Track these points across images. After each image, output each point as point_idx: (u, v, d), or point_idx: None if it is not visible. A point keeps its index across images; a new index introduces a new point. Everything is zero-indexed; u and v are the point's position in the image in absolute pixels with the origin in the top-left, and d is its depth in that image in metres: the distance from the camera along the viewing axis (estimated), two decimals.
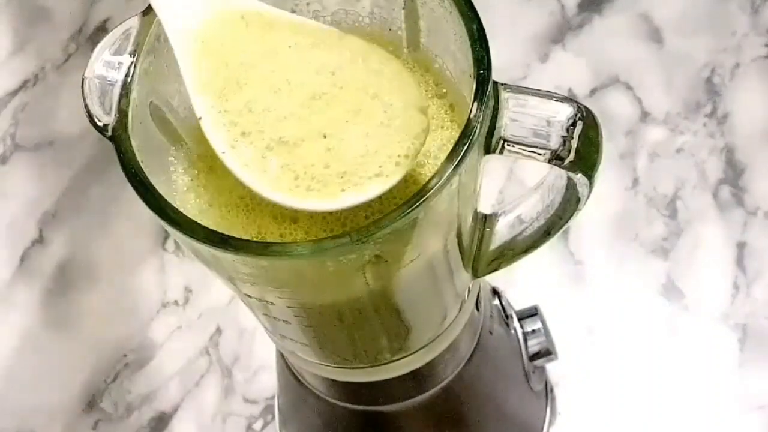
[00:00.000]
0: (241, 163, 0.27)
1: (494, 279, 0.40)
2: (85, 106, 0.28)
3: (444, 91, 0.31)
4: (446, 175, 0.26)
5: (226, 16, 0.28)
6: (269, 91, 0.28)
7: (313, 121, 0.27)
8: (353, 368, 0.35)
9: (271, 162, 0.27)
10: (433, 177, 0.26)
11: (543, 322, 0.49)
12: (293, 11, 0.32)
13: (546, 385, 0.53)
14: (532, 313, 0.49)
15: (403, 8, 0.31)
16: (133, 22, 0.29)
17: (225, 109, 0.27)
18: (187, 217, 0.26)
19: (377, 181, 0.27)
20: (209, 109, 0.27)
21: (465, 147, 0.26)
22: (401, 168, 0.27)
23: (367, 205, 0.28)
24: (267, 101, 0.28)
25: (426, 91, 0.31)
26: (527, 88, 0.28)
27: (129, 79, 0.28)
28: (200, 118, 0.27)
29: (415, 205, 0.25)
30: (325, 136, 0.27)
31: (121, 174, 0.27)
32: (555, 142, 0.27)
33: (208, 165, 0.30)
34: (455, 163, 0.26)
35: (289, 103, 0.28)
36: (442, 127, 0.30)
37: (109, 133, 0.28)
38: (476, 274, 0.34)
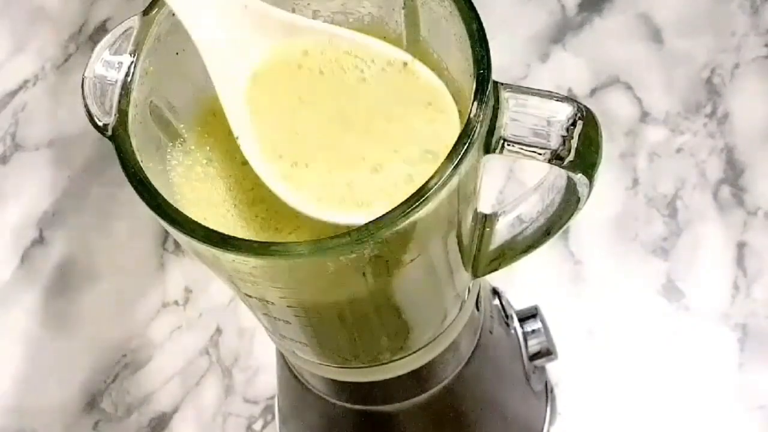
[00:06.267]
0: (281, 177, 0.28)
1: (494, 279, 0.40)
2: (85, 106, 0.28)
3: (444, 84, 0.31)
4: (446, 174, 0.26)
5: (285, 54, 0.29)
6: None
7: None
8: (353, 368, 0.35)
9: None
10: (433, 177, 0.26)
11: (543, 322, 0.49)
12: (293, 11, 0.32)
13: (546, 385, 0.53)
14: (532, 313, 0.49)
15: (403, 8, 0.31)
16: (133, 22, 0.29)
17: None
18: (187, 216, 0.26)
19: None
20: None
21: (465, 147, 0.26)
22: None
23: None
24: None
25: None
26: (527, 87, 0.28)
27: (129, 79, 0.28)
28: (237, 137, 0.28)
29: (415, 205, 0.25)
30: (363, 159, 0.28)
31: (121, 174, 0.27)
32: (555, 142, 0.27)
33: (207, 164, 0.30)
34: (455, 163, 0.26)
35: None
36: None
37: (109, 133, 0.28)
38: (476, 273, 0.34)
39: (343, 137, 0.28)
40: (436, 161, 0.27)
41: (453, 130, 0.28)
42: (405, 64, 0.29)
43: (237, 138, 0.28)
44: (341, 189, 0.27)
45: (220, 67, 0.28)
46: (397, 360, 0.35)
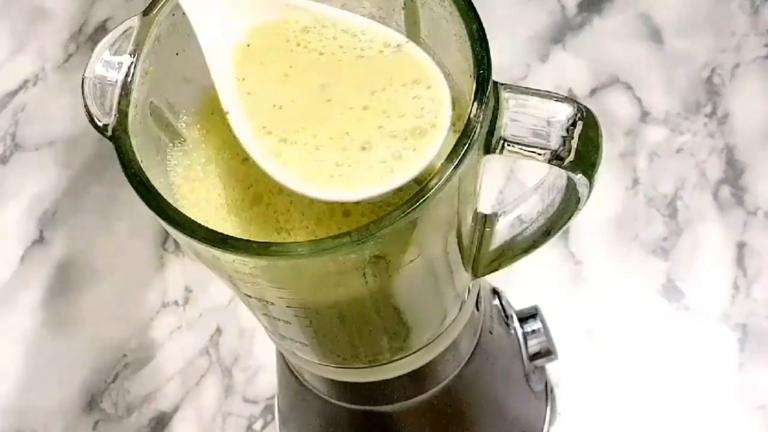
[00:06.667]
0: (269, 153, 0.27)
1: (494, 279, 0.40)
2: (85, 106, 0.28)
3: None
4: (446, 175, 0.26)
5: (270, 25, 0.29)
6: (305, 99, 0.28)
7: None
8: (353, 368, 0.35)
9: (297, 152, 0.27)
10: (433, 177, 0.26)
11: (543, 322, 0.49)
12: None
13: (546, 385, 0.53)
14: (532, 313, 0.49)
15: (403, 8, 0.31)
16: (133, 22, 0.29)
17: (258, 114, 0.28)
18: (187, 217, 0.26)
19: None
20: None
21: (465, 147, 0.26)
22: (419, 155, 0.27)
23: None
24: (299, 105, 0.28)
25: None
26: (527, 88, 0.28)
27: (129, 79, 0.28)
28: (227, 113, 0.28)
29: (415, 205, 0.25)
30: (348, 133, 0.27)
31: (121, 174, 0.27)
32: (555, 142, 0.27)
33: (209, 163, 0.30)
34: (455, 163, 0.26)
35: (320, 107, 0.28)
36: None
37: (109, 133, 0.28)
38: (476, 274, 0.34)
39: (333, 114, 0.28)
40: (424, 137, 0.27)
41: (441, 105, 0.28)
42: (399, 45, 0.29)
43: (227, 113, 0.28)
44: (330, 167, 0.27)
45: (212, 40, 0.28)
46: (397, 360, 0.35)
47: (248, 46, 0.29)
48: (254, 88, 0.28)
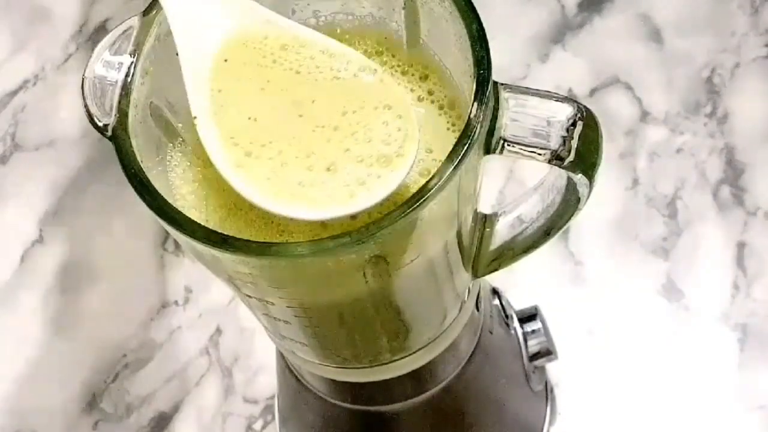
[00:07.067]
0: (233, 165, 0.27)
1: (494, 279, 0.40)
2: (85, 106, 0.28)
3: (444, 88, 0.31)
4: (446, 175, 0.26)
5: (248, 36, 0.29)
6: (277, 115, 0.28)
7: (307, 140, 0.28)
8: (353, 368, 0.35)
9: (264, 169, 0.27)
10: (433, 177, 0.26)
11: (543, 322, 0.49)
12: (293, 12, 0.32)
13: (546, 385, 0.53)
14: (532, 313, 0.49)
15: (403, 8, 0.31)
16: (133, 22, 0.29)
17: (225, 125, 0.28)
18: (187, 217, 0.26)
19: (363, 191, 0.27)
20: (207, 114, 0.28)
21: (465, 147, 0.26)
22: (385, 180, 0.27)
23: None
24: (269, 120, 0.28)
25: (426, 88, 0.31)
26: (527, 88, 0.28)
27: (129, 79, 0.28)
28: (195, 117, 0.28)
29: (416, 205, 0.25)
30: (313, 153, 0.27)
31: (121, 174, 0.27)
32: (555, 142, 0.27)
33: (208, 164, 0.30)
34: (455, 163, 0.26)
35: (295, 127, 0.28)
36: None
37: (109, 133, 0.28)
38: (476, 274, 0.34)
39: (303, 132, 0.28)
40: (389, 165, 0.27)
41: (407, 136, 0.28)
42: (375, 70, 0.29)
43: (194, 118, 0.28)
44: (293, 185, 0.27)
45: (189, 44, 0.28)
46: (397, 360, 0.35)
47: (226, 61, 0.29)
48: (229, 101, 0.28)
